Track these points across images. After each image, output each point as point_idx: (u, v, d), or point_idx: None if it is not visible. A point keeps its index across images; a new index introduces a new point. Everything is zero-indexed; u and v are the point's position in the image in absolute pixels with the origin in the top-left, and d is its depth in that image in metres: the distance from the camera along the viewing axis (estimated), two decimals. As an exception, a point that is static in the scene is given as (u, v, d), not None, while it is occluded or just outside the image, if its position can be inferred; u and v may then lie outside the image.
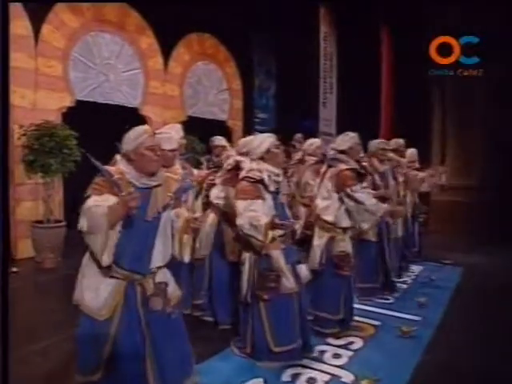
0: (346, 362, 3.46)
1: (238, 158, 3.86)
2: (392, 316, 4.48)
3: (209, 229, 4.08)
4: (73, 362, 2.55)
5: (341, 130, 4.36)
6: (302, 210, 4.40)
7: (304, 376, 3.22)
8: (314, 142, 5.41)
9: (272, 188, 3.26)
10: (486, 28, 8.23)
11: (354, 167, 4.00)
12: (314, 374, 3.26)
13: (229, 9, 8.92)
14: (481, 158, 9.58)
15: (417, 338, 3.91)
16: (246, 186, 3.25)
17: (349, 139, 4.11)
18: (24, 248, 6.44)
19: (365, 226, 4.03)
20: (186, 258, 2.74)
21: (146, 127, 2.50)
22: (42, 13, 6.77)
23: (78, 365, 2.46)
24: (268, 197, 3.24)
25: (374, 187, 4.77)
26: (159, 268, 2.50)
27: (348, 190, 3.86)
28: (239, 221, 3.17)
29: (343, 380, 3.19)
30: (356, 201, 3.87)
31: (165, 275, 2.55)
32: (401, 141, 6.17)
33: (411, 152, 6.40)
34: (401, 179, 5.63)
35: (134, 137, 2.41)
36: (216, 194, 4.03)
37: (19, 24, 6.40)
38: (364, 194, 3.95)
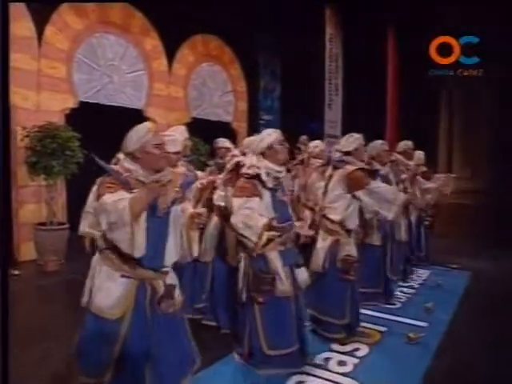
0: (352, 369, 3.39)
1: (239, 158, 3.79)
2: (398, 322, 4.40)
3: (212, 232, 4.03)
4: (74, 366, 2.52)
5: (346, 132, 4.29)
6: (307, 213, 4.34)
7: (308, 384, 3.15)
8: (318, 145, 5.35)
9: (270, 184, 3.15)
10: (486, 28, 8.23)
11: (362, 167, 3.95)
12: (317, 382, 3.19)
13: (233, 10, 8.88)
14: (487, 160, 9.50)
15: (424, 345, 3.82)
16: (242, 183, 3.16)
17: (354, 140, 4.04)
18: (27, 250, 6.40)
19: (390, 215, 3.91)
20: (195, 253, 2.70)
21: (149, 124, 2.49)
22: (45, 14, 6.74)
23: (82, 367, 2.45)
24: (266, 194, 3.13)
25: None
26: (172, 265, 2.52)
27: (366, 188, 3.81)
28: (233, 219, 3.07)
29: (348, 388, 3.13)
30: (375, 193, 3.80)
31: (173, 278, 2.57)
32: (409, 143, 6.09)
33: (418, 155, 6.33)
34: (403, 176, 5.50)
35: (138, 135, 2.40)
36: (218, 196, 3.97)
37: (22, 25, 6.37)
38: (381, 185, 3.93)
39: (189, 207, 2.70)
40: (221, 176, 4.04)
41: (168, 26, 8.43)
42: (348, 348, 3.74)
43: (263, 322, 3.13)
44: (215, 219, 4.05)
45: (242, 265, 3.22)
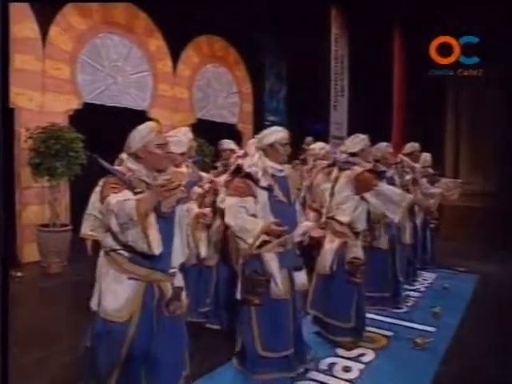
0: (357, 375, 3.31)
1: (241, 161, 3.73)
2: (405, 326, 4.32)
3: (216, 236, 3.99)
4: (78, 369, 2.52)
5: (352, 133, 4.23)
6: (312, 215, 4.28)
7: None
8: (323, 146, 5.29)
9: (264, 184, 3.03)
10: (486, 28, 8.19)
11: (369, 168, 3.89)
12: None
13: (238, 11, 8.83)
14: (494, 162, 9.42)
15: (431, 350, 3.74)
16: (236, 183, 3.11)
17: (359, 141, 3.98)
18: (30, 252, 6.38)
19: (396, 217, 3.82)
20: (203, 253, 2.66)
21: (152, 124, 2.47)
22: (49, 15, 6.73)
23: (89, 370, 2.44)
24: (262, 194, 3.03)
25: None
26: (179, 266, 2.50)
27: (374, 189, 3.74)
28: (227, 219, 3.00)
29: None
30: (382, 195, 3.74)
31: (180, 281, 2.54)
32: (416, 145, 6.03)
33: (425, 157, 6.25)
34: (407, 177, 5.42)
35: (141, 135, 2.39)
36: (221, 198, 3.91)
37: (27, 26, 6.36)
38: (388, 187, 3.88)
39: (194, 207, 2.69)
40: (223, 178, 4.00)
41: (172, 27, 8.40)
42: (353, 353, 3.66)
43: (258, 323, 3.06)
44: (218, 222, 4.00)
45: (239, 265, 3.17)
